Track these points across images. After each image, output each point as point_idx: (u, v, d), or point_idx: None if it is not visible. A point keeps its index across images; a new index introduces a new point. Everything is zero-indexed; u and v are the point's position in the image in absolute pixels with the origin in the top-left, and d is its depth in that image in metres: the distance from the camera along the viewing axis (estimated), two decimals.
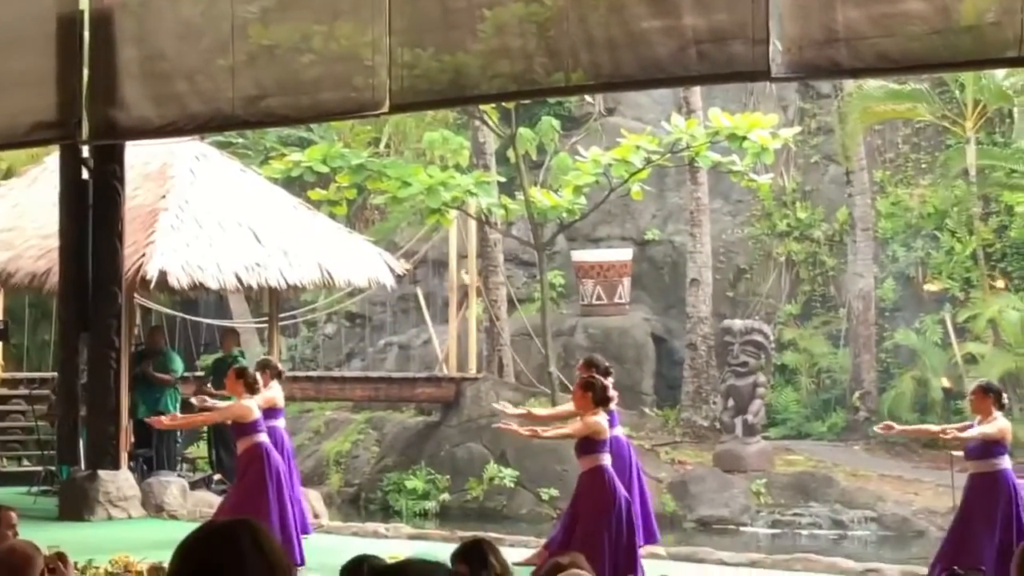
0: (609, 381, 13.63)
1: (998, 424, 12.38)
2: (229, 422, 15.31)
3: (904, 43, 9.72)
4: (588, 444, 12.52)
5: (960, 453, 12.69)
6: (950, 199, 29.36)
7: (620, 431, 14.32)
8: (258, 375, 15.19)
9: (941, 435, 13.00)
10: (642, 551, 13.38)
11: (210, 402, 15.74)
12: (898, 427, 13.28)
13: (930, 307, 29.15)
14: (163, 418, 16.26)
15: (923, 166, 30.52)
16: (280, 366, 17.13)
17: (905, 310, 29.72)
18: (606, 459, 12.57)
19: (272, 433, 15.49)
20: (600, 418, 12.51)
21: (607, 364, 14.90)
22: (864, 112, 28.21)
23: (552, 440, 13.08)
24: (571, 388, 14.39)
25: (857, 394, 28.61)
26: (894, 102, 28.09)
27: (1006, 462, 12.40)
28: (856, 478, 25.72)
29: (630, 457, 14.26)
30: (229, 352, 20.16)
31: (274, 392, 15.73)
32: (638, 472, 14.41)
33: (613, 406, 13.47)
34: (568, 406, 14.16)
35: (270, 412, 15.51)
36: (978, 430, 12.36)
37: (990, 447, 12.34)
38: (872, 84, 27.38)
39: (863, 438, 28.11)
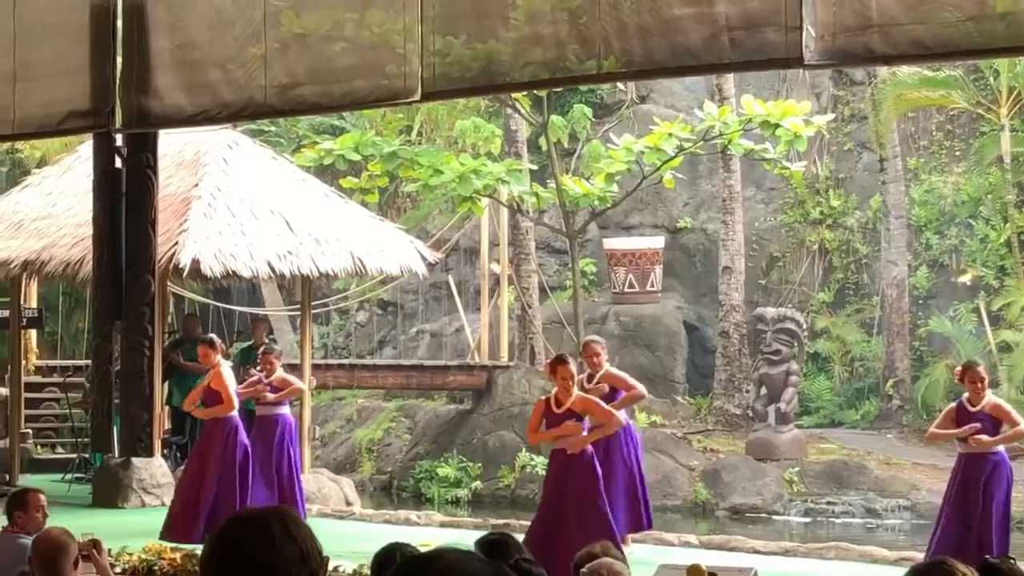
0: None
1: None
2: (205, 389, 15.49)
3: (938, 30, 9.67)
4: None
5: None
6: (984, 186, 29.22)
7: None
8: (275, 360, 15.57)
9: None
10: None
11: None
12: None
13: (964, 295, 29.04)
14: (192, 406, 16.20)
15: (957, 153, 30.39)
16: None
17: (939, 298, 29.61)
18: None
19: (283, 422, 15.67)
20: (601, 402, 12.57)
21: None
22: (898, 99, 28.10)
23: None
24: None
25: (890, 382, 28.53)
26: (928, 89, 27.97)
27: None
28: (889, 466, 25.66)
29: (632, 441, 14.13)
30: (261, 340, 20.21)
31: (291, 377, 16.01)
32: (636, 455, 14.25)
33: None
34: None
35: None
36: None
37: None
38: (906, 71, 27.25)
39: (896, 426, 28.06)
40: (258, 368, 16.00)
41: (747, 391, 28.29)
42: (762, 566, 11.23)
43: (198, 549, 11.59)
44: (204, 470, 14.97)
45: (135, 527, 15.03)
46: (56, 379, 23.30)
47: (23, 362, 22.14)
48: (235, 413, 15.14)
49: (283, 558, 3.14)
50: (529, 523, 13.10)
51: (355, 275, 22.12)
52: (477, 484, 27.15)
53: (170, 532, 14.44)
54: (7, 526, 8.80)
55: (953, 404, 12.76)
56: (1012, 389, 26.01)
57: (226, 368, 15.26)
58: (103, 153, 17.74)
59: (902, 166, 29.47)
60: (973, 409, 12.29)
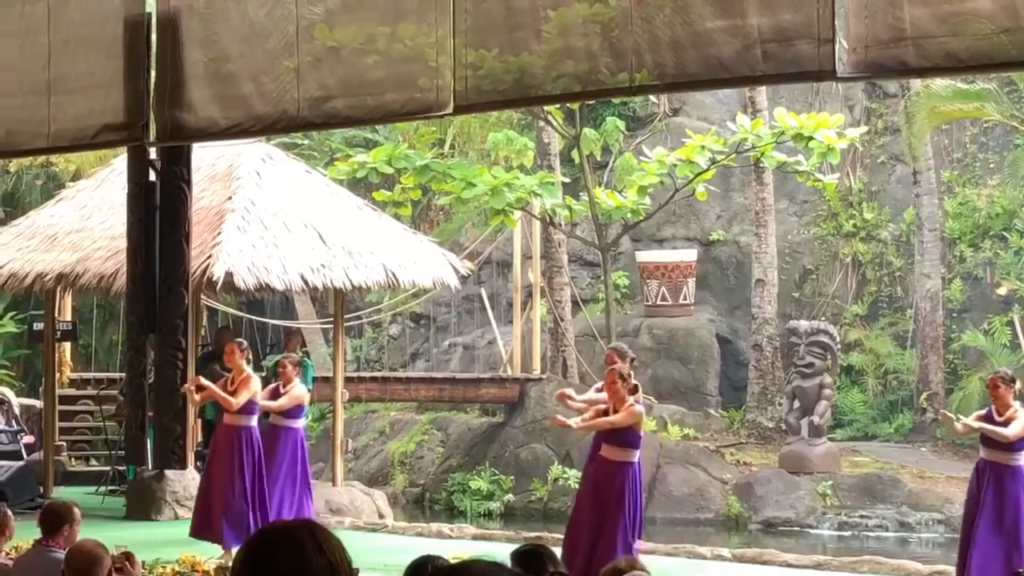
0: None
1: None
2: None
3: (971, 42, 9.63)
4: (627, 435, 12.48)
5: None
6: (1018, 199, 29.13)
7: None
8: (291, 369, 15.60)
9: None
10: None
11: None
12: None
13: (998, 308, 28.94)
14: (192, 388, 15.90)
15: (991, 166, 30.30)
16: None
17: (973, 311, 29.51)
18: (637, 455, 12.57)
19: (294, 434, 15.66)
20: (641, 408, 12.55)
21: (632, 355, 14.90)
22: (931, 112, 28.01)
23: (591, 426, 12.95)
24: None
25: (924, 395, 28.42)
26: (961, 101, 27.87)
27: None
28: (923, 480, 25.56)
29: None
30: (294, 352, 20.25)
31: (302, 390, 15.93)
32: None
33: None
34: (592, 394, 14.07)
35: (297, 411, 15.76)
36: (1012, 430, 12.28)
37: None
38: (939, 83, 27.17)
39: (930, 439, 27.95)
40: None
41: (780, 404, 28.22)
42: None
43: (230, 561, 11.67)
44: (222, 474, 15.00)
45: (169, 539, 15.09)
46: (90, 392, 23.40)
47: (57, 375, 22.23)
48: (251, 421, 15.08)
49: (313, 570, 3.14)
50: (561, 536, 13.11)
51: (388, 288, 22.17)
52: (509, 497, 27.13)
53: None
54: (40, 539, 8.82)
55: (982, 412, 12.78)
56: None
57: (254, 376, 15.33)
58: (137, 166, 17.83)
59: (936, 179, 29.39)
60: (999, 419, 12.35)
